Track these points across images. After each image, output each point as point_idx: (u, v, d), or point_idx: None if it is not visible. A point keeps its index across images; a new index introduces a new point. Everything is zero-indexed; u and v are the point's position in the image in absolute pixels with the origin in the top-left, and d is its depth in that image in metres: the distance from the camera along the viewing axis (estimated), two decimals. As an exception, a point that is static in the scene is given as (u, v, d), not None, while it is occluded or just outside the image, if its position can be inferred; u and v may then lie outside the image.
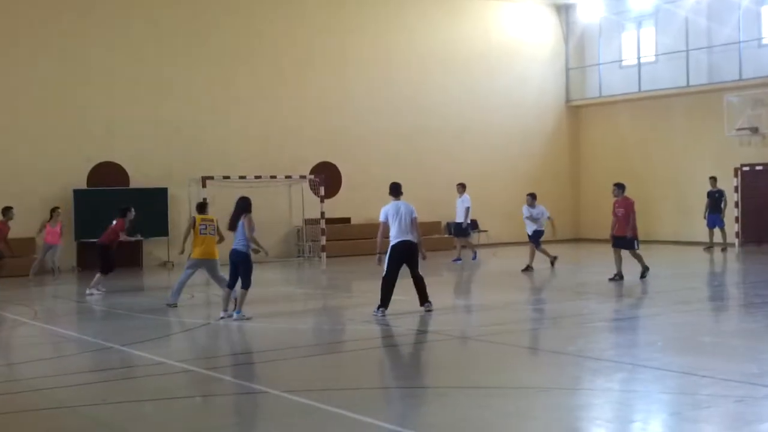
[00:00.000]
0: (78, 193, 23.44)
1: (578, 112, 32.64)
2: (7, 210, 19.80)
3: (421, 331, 12.38)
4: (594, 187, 30.87)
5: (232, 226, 13.32)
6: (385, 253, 13.41)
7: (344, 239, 26.89)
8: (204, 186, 24.41)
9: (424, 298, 13.52)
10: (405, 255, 13.35)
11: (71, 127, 23.84)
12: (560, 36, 32.56)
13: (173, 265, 23.27)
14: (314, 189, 26.48)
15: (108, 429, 7.27)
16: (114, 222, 17.85)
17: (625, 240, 17.27)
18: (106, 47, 24.46)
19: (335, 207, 27.08)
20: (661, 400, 7.92)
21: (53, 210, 20.98)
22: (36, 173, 23.22)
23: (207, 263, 14.71)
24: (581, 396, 8.11)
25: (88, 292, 17.20)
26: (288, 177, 26.19)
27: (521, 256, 21.28)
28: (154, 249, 24.59)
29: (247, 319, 13.08)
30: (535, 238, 20.59)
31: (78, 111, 23.91)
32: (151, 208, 22.53)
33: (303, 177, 26.52)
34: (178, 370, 9.58)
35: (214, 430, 7.13)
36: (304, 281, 21.36)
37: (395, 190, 13.77)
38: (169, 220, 24.29)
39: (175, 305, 14.75)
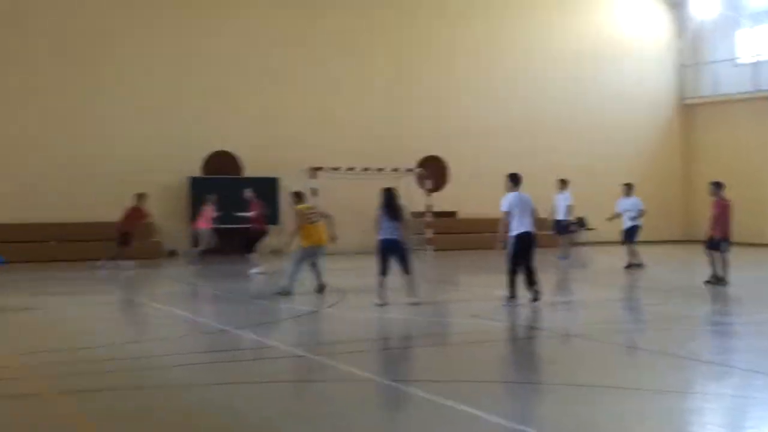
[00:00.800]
0: (193, 181, 24.16)
1: (692, 111, 31.81)
2: (142, 196, 20.60)
3: (526, 327, 12.34)
4: (707, 188, 29.93)
5: (396, 216, 13.45)
6: (505, 242, 13.49)
7: (450, 233, 26.93)
8: (313, 177, 24.83)
9: (532, 282, 13.54)
10: (527, 245, 13.47)
11: (188, 118, 24.60)
12: (673, 32, 31.77)
13: (283, 252, 23.72)
14: (421, 182, 26.58)
15: (219, 409, 7.51)
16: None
17: (713, 241, 16.61)
18: (221, 38, 25.12)
19: (442, 200, 27.13)
20: (777, 407, 7.72)
21: (206, 197, 21.87)
22: (154, 161, 24.09)
23: (320, 250, 15.14)
24: (693, 400, 7.97)
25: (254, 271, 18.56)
26: (395, 170, 26.37)
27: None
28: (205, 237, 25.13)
29: (417, 303, 13.32)
30: (629, 234, 19.99)
31: (194, 102, 24.66)
32: (262, 198, 22.97)
33: (410, 170, 26.66)
34: (288, 354, 9.82)
35: (323, 416, 7.29)
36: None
37: (516, 181, 13.86)
38: (279, 209, 24.80)
39: (288, 293, 14.97)
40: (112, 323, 12.18)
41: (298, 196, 15.70)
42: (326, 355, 9.87)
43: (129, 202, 21.15)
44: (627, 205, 20.34)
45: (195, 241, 21.89)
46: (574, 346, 11.08)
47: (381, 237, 13.47)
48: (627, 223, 20.13)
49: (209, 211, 21.70)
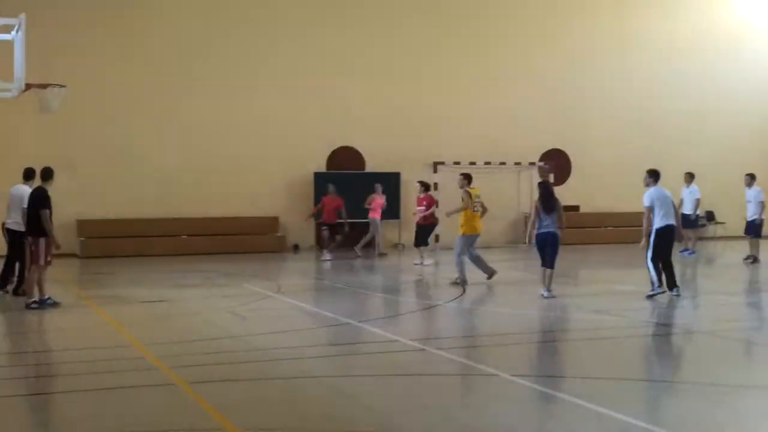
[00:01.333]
0: (318, 176, 24.65)
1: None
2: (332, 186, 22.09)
3: (650, 323, 12.11)
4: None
5: (552, 208, 13.80)
6: (650, 236, 13.84)
7: (573, 227, 26.50)
8: (435, 171, 24.95)
9: (674, 282, 13.78)
10: (669, 239, 13.90)
11: (312, 113, 25.10)
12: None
13: (404, 247, 23.98)
14: (543, 176, 26.27)
15: (349, 399, 7.71)
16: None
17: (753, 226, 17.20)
18: (342, 34, 25.51)
19: (564, 194, 26.71)
20: None
21: (375, 186, 22.72)
22: (282, 157, 24.68)
23: (477, 238, 15.85)
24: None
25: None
26: (517, 164, 26.21)
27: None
28: (386, 231, 25.42)
29: (553, 297, 13.63)
30: (751, 229, 19.77)
31: (318, 97, 25.12)
32: (385, 192, 23.27)
33: (532, 164, 26.43)
34: (411, 348, 9.96)
35: (445, 408, 7.39)
36: (531, 267, 21.21)
37: (656, 176, 14.23)
38: (401, 204, 25.02)
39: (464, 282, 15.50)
40: (237, 316, 12.59)
41: (468, 178, 16.07)
42: (448, 350, 9.95)
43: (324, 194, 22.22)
44: (749, 196, 20.24)
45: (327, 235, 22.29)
46: (700, 343, 10.83)
47: (538, 230, 13.90)
48: (750, 215, 20.12)
49: (379, 200, 22.47)
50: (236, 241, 23.73)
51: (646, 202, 14.00)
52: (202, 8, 24.60)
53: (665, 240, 13.81)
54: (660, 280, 13.70)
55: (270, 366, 9.08)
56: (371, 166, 25.53)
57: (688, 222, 21.93)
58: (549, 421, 7.05)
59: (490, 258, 16.99)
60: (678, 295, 13.60)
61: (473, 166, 25.10)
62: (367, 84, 25.57)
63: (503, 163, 25.55)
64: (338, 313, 12.48)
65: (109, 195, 23.35)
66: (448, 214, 16.69)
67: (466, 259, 15.77)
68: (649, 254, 13.83)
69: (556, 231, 13.81)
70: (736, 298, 15.25)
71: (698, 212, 22.28)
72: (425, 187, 20.70)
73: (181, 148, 23.98)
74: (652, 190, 14.05)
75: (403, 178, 25.26)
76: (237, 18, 24.77)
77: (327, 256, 21.45)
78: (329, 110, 25.22)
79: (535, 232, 13.99)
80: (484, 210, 15.96)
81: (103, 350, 9.97)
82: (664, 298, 13.54)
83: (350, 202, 22.73)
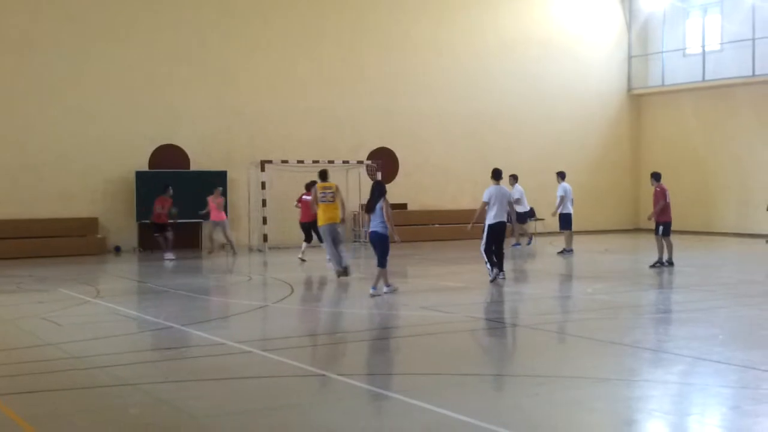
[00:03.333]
0: (140, 175, 23.82)
1: (640, 101, 32.19)
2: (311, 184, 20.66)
3: (476, 318, 12.37)
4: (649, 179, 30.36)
5: (370, 208, 14.00)
6: (476, 224, 15.53)
7: (401, 225, 26.86)
8: (263, 170, 24.69)
9: (500, 268, 15.46)
10: (500, 234, 15.37)
11: (135, 110, 24.24)
12: (623, 23, 32.07)
13: (232, 247, 23.51)
14: (371, 174, 26.55)
15: (169, 406, 7.42)
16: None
17: (659, 226, 18.03)
18: (172, 31, 24.81)
19: (392, 192, 27.07)
20: (721, 393, 7.82)
21: (216, 188, 22.53)
22: (101, 154, 23.69)
23: (331, 227, 16.25)
24: (639, 387, 8.04)
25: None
26: (346, 162, 26.30)
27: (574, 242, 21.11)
28: (212, 231, 24.89)
29: (395, 290, 14.04)
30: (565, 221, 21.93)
31: (142, 94, 24.30)
32: (211, 192, 22.76)
33: (360, 162, 26.61)
34: (237, 350, 9.72)
35: (269, 410, 7.23)
36: (364, 267, 21.37)
37: (497, 175, 15.60)
38: (228, 202, 24.55)
39: (345, 271, 16.17)
40: (51, 323, 11.93)
41: (322, 174, 16.75)
42: (274, 351, 9.78)
43: (302, 193, 20.69)
44: (561, 192, 22.00)
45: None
46: (520, 336, 11.15)
47: (370, 229, 14.21)
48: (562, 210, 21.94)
49: (218, 200, 22.39)
50: (52, 243, 22.56)
51: (484, 198, 15.39)
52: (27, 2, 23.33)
53: (497, 233, 15.30)
54: (492, 265, 15.27)
55: (87, 374, 8.63)
56: (197, 165, 24.91)
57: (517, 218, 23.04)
58: (373, 419, 7.02)
59: (319, 257, 16.94)
60: (503, 278, 15.44)
61: (301, 164, 25.01)
62: (194, 81, 24.97)
63: (332, 162, 25.56)
64: (161, 317, 12.06)
65: None
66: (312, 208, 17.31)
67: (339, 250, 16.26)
68: (483, 246, 15.28)
69: (381, 230, 13.91)
70: (555, 290, 15.85)
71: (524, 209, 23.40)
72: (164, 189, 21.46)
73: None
74: (491, 188, 15.42)
75: (230, 176, 24.81)
76: (61, 12, 23.57)
77: (170, 255, 21.35)
78: (152, 107, 24.44)
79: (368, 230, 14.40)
80: (335, 200, 16.35)
81: None
82: (493, 291, 14.05)
83: (175, 202, 22.19)
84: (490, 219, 15.31)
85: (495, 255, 15.31)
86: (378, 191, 14.04)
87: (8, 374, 8.54)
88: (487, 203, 15.35)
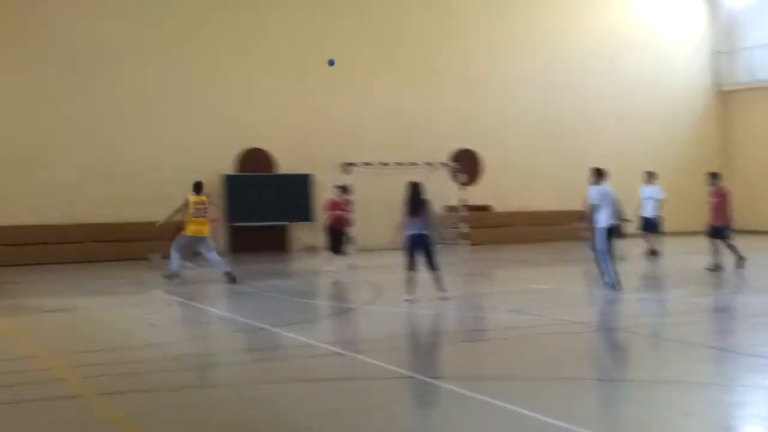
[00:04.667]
0: (227, 179, 24.27)
1: (728, 98, 31.38)
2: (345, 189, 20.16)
3: (566, 322, 12.25)
4: (745, 176, 29.60)
5: (415, 211, 13.35)
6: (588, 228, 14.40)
7: (485, 227, 26.83)
8: (346, 172, 24.86)
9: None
10: (612, 236, 14.34)
11: (222, 114, 24.72)
12: (706, 18, 31.32)
13: (318, 249, 23.77)
14: (454, 176, 26.52)
15: (261, 407, 7.55)
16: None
17: (716, 230, 17.29)
18: (258, 37, 25.26)
19: (475, 194, 27.03)
20: (823, 400, 7.59)
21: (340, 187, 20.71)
22: (189, 158, 24.22)
23: (197, 240, 16.59)
24: (736, 393, 7.86)
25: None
26: (428, 164, 26.32)
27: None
28: (299, 234, 25.23)
29: (446, 298, 13.37)
30: (650, 225, 20.39)
31: (228, 98, 24.78)
32: (295, 194, 23.13)
33: (443, 164, 26.60)
34: (327, 352, 9.84)
35: (358, 411, 7.29)
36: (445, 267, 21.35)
37: (601, 174, 14.48)
38: (312, 205, 24.85)
39: (176, 276, 16.46)
40: (148, 324, 12.25)
41: (196, 187, 16.84)
42: (366, 353, 9.86)
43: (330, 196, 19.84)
44: (648, 193, 20.48)
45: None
46: (612, 340, 11.00)
47: (408, 233, 13.41)
48: (648, 212, 20.31)
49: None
50: (146, 247, 23.10)
51: (592, 200, 14.27)
52: (93, 6, 23.98)
53: (610, 236, 14.27)
54: (611, 273, 14.22)
55: (182, 374, 8.85)
56: (282, 168, 25.28)
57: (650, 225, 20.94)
58: (465, 422, 7.01)
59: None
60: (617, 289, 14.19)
61: (384, 166, 25.13)
62: (279, 85, 25.34)
63: (414, 163, 25.62)
64: (252, 318, 12.27)
65: (12, 202, 22.55)
66: (163, 221, 17.46)
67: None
68: (600, 249, 14.27)
69: (426, 233, 13.40)
70: (644, 294, 15.57)
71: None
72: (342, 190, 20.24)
73: (87, 152, 23.36)
74: (597, 188, 14.35)
75: (315, 179, 25.10)
76: (139, 15, 24.24)
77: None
78: (238, 111, 24.90)
79: (406, 233, 13.48)
80: (207, 214, 16.74)
81: (4, 362, 9.56)
82: (580, 294, 13.81)
83: (262, 205, 22.53)
84: (604, 221, 14.22)
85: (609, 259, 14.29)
86: (421, 193, 13.53)
87: (108, 374, 8.81)
88: (595, 205, 14.30)
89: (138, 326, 11.93)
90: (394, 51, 26.86)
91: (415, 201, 13.41)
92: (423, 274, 13.48)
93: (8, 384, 8.45)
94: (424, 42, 27.27)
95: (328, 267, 18.61)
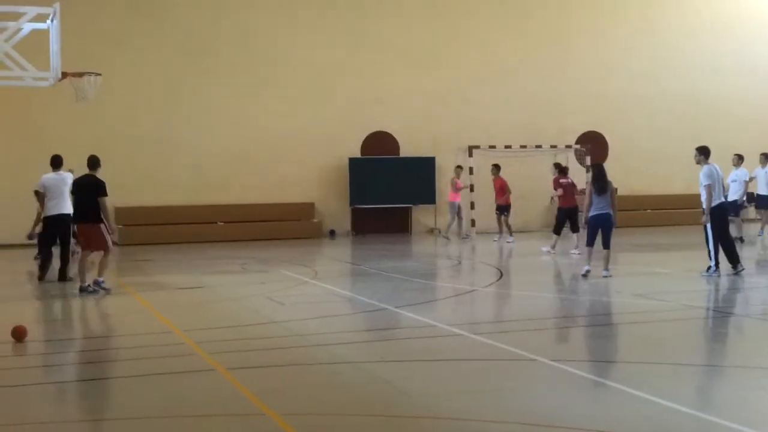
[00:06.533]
0: (353, 162, 24.63)
1: None
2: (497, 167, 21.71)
3: (692, 307, 11.94)
4: None
5: (602, 191, 14.07)
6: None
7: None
8: (470, 155, 24.83)
9: (735, 260, 14.10)
10: (727, 216, 14.23)
11: (347, 99, 25.07)
12: None
13: (440, 231, 23.84)
14: (580, 159, 26.10)
15: (385, 385, 7.68)
16: None
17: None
18: (378, 18, 25.44)
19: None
20: None
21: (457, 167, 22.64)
22: (316, 142, 24.69)
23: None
24: None
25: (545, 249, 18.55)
26: (553, 146, 25.99)
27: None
28: (421, 216, 25.37)
29: (609, 276, 13.92)
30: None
31: (353, 83, 25.10)
32: (419, 177, 23.25)
33: (569, 146, 26.22)
34: (448, 333, 9.91)
35: (481, 392, 7.33)
36: (562, 252, 21.11)
37: (708, 153, 14.17)
38: (436, 188, 24.95)
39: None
40: (274, 302, 12.61)
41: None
42: (485, 334, 9.89)
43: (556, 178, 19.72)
44: (735, 176, 19.90)
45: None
46: (739, 326, 10.66)
47: (592, 212, 14.11)
48: (733, 196, 19.43)
49: (458, 183, 22.38)
50: (272, 227, 23.80)
51: (706, 180, 13.80)
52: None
53: (725, 216, 14.10)
54: (735, 256, 14.00)
55: (308, 351, 9.08)
56: (406, 151, 25.45)
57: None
58: (590, 407, 6.96)
59: (528, 243, 16.86)
60: (741, 269, 13.97)
61: (508, 149, 24.97)
62: (401, 68, 25.50)
63: (539, 146, 25.34)
64: (375, 299, 12.46)
65: (144, 183, 23.52)
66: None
67: None
68: (711, 232, 13.89)
69: (609, 212, 14.08)
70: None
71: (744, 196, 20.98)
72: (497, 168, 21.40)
73: (216, 135, 24.08)
74: (708, 167, 13.93)
75: (438, 162, 25.17)
76: (270, 4, 24.78)
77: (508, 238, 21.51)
78: (363, 95, 25.20)
79: (590, 213, 14.20)
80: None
81: (143, 336, 10.05)
82: (710, 280, 13.49)
83: (386, 187, 22.74)
84: (714, 201, 13.83)
85: (723, 243, 13.91)
86: (606, 173, 14.23)
87: (237, 349, 9.13)
88: (711, 185, 13.80)
89: (266, 304, 12.29)
90: (523, 33, 26.58)
91: (602, 181, 14.12)
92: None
93: (145, 357, 8.89)
94: (551, 24, 26.89)
95: (548, 248, 18.63)
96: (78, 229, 13.99)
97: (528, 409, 6.73)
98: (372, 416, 6.74)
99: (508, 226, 21.70)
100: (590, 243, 14.33)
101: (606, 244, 14.16)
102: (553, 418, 6.43)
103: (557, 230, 18.78)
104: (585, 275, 14.05)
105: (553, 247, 18.48)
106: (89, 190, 13.55)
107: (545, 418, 6.42)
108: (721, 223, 13.87)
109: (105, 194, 13.51)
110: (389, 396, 7.31)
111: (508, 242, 21.24)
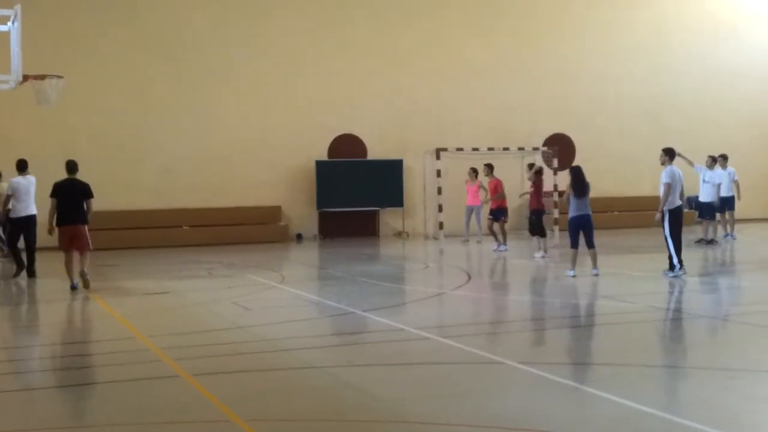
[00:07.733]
0: (320, 164, 24.54)
1: None
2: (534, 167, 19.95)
3: (659, 309, 12.01)
4: None
5: (582, 193, 14.38)
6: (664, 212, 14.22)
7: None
8: (438, 158, 24.82)
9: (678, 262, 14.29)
10: (682, 218, 14.47)
11: (313, 101, 24.97)
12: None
13: (408, 235, 23.82)
14: (547, 161, 26.18)
15: (354, 389, 7.63)
16: None
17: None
18: (349, 24, 25.39)
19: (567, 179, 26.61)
20: None
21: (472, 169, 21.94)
22: (283, 145, 24.57)
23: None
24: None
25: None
26: (521, 149, 26.06)
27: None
28: (389, 219, 25.35)
29: (598, 275, 14.33)
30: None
31: (321, 85, 25.01)
32: (387, 180, 23.20)
33: (536, 149, 26.30)
34: (416, 337, 9.87)
35: (450, 395, 7.30)
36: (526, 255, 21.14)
37: (672, 155, 14.44)
38: (404, 191, 24.93)
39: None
40: (240, 307, 12.50)
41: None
42: (453, 338, 9.86)
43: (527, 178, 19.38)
44: (708, 177, 20.54)
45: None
46: (705, 328, 10.72)
47: (573, 214, 14.42)
48: (706, 198, 20.44)
49: (475, 185, 21.93)
50: (238, 231, 23.64)
51: (666, 180, 14.10)
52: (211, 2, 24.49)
53: (679, 219, 14.30)
54: (680, 260, 14.15)
55: (275, 356, 9.00)
56: (373, 153, 25.41)
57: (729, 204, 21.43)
58: (560, 409, 6.95)
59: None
60: (680, 273, 14.14)
61: (476, 152, 25.00)
62: (369, 71, 25.47)
63: (507, 149, 25.40)
64: (342, 303, 12.39)
65: (110, 186, 23.23)
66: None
67: None
68: (667, 232, 14.23)
69: (590, 213, 14.49)
70: (746, 282, 15.15)
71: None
72: (490, 168, 20.80)
73: (181, 138, 23.89)
74: (670, 169, 14.25)
75: (406, 165, 25.15)
76: (237, 6, 24.63)
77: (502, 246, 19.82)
78: (330, 98, 25.12)
79: (570, 214, 14.50)
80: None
81: (107, 343, 9.91)
82: (676, 282, 13.60)
83: (353, 190, 22.69)
84: (672, 204, 14.15)
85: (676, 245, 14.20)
86: (584, 175, 14.49)
87: (202, 355, 9.03)
88: (670, 184, 14.09)
89: (232, 309, 12.18)
90: (490, 36, 26.65)
91: (582, 183, 14.40)
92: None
93: (109, 363, 8.76)
94: (518, 26, 26.98)
95: (538, 253, 18.06)
96: (64, 230, 14.29)
97: (497, 413, 6.71)
98: (341, 421, 6.68)
99: (504, 233, 20.12)
100: (575, 245, 14.55)
101: (590, 244, 14.51)
102: (522, 422, 6.42)
103: (542, 232, 18.31)
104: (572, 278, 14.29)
105: (545, 250, 18.17)
106: (79, 193, 14.30)
107: (514, 422, 6.41)
108: (676, 224, 14.23)
109: (92, 196, 14.44)
110: (358, 401, 7.25)
111: (500, 251, 19.66)
